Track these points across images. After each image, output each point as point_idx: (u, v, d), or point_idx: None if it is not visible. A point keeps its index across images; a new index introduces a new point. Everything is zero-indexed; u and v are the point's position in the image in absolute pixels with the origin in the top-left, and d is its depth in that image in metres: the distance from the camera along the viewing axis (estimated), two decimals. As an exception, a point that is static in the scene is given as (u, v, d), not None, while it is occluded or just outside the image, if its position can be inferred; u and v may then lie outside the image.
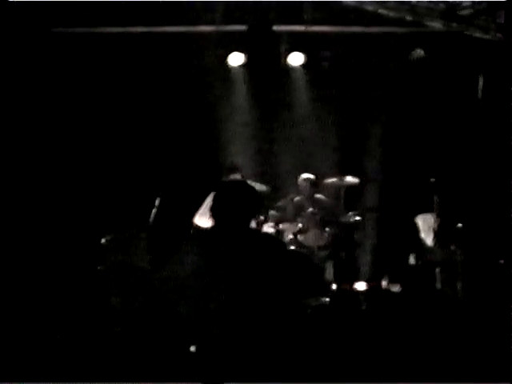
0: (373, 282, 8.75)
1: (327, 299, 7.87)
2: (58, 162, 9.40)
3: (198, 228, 8.51)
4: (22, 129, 9.17)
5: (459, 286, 8.13)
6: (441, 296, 8.17)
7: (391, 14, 8.96)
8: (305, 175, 9.37)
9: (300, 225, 8.94)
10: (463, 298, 7.97)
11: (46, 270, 8.50)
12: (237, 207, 4.03)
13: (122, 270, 8.01)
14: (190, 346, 3.90)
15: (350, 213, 9.26)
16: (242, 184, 4.33)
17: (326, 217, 9.11)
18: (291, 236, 8.86)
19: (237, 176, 8.67)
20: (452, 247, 8.40)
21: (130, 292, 7.80)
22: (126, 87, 9.59)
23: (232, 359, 3.83)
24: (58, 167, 9.38)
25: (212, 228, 4.08)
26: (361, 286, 8.70)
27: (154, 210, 8.31)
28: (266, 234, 4.76)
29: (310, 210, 9.07)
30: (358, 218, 9.22)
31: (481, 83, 9.59)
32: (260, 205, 4.27)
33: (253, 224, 4.26)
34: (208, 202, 8.60)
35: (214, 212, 4.07)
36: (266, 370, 3.85)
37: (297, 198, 9.36)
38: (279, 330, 3.91)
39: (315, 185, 9.31)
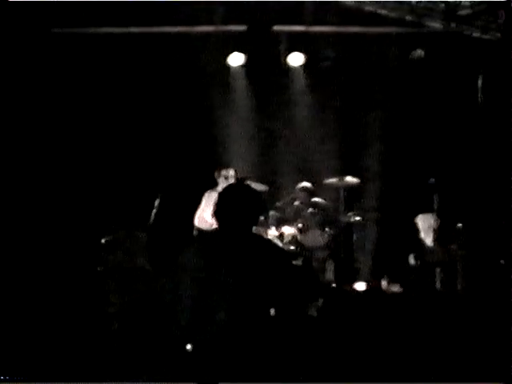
0: (373, 282, 8.75)
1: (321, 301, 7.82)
2: (58, 161, 9.40)
3: (200, 230, 8.50)
4: (22, 129, 9.16)
5: (459, 286, 8.14)
6: (441, 296, 8.17)
7: (391, 14, 8.97)
8: (302, 184, 9.30)
9: (300, 225, 8.94)
10: (463, 297, 7.97)
11: (46, 270, 8.49)
12: (240, 210, 4.01)
13: (121, 271, 8.00)
14: (186, 345, 3.90)
15: (350, 213, 9.25)
16: (246, 187, 4.31)
17: (326, 217, 9.10)
18: (291, 236, 8.86)
19: (230, 172, 8.67)
20: (452, 247, 8.41)
21: (129, 292, 7.79)
22: (125, 87, 9.59)
23: (232, 360, 3.83)
24: (58, 167, 9.38)
25: (215, 231, 4.07)
26: (360, 286, 8.70)
27: (153, 211, 8.31)
28: (268, 240, 4.73)
29: (310, 210, 9.06)
30: (357, 218, 9.22)
31: (480, 83, 9.59)
32: (263, 207, 4.26)
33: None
34: (204, 202, 8.61)
35: (218, 215, 4.05)
36: (266, 370, 3.85)
37: (296, 203, 9.30)
38: (278, 330, 3.91)
39: (312, 193, 9.27)
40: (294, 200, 9.33)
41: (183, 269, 3.95)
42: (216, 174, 8.76)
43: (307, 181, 9.37)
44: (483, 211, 8.77)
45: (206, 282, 3.85)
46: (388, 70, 9.80)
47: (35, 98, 9.28)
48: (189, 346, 3.85)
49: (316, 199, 9.27)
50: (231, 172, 8.71)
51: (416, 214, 8.82)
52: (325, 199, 9.37)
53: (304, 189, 9.25)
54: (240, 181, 8.47)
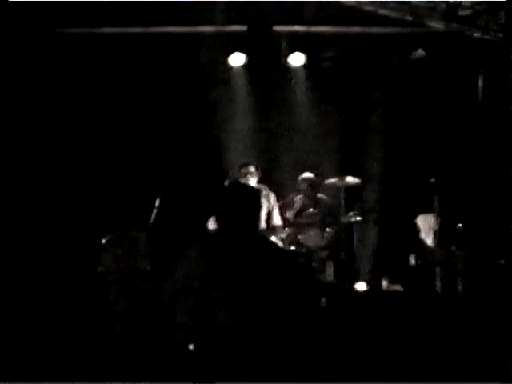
0: (373, 283, 8.75)
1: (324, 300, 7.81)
2: (59, 161, 9.41)
3: (209, 231, 8.42)
4: (23, 129, 9.18)
5: (459, 286, 8.14)
6: (441, 296, 8.17)
7: (392, 14, 8.95)
8: (304, 175, 9.29)
9: (300, 225, 8.93)
10: (463, 298, 7.97)
11: (46, 271, 8.50)
12: (240, 210, 4.00)
13: (121, 271, 8.00)
14: (188, 345, 3.90)
15: (351, 213, 9.24)
16: (245, 186, 4.29)
17: (327, 217, 9.09)
18: (292, 236, 8.86)
19: (250, 169, 8.63)
20: (452, 248, 8.42)
21: (130, 293, 7.80)
22: (127, 88, 9.59)
23: (233, 360, 3.83)
24: (58, 167, 9.39)
25: (217, 233, 4.08)
26: (361, 286, 8.69)
27: (154, 211, 8.30)
28: (270, 242, 4.72)
29: (311, 210, 9.05)
30: (358, 218, 9.21)
31: (481, 83, 9.60)
32: (260, 207, 4.21)
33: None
34: None
35: (218, 216, 4.04)
36: (267, 370, 3.85)
37: (298, 197, 9.28)
38: (280, 330, 3.91)
39: (315, 184, 9.25)
40: (294, 202, 9.30)
41: (185, 269, 3.95)
42: (236, 172, 8.69)
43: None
44: (484, 211, 8.78)
45: (208, 282, 3.85)
46: (389, 71, 9.81)
47: (36, 98, 9.29)
48: (191, 346, 3.85)
49: (320, 195, 9.25)
50: (251, 169, 8.65)
51: (416, 215, 8.83)
52: (329, 196, 9.37)
53: (306, 180, 9.22)
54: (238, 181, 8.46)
